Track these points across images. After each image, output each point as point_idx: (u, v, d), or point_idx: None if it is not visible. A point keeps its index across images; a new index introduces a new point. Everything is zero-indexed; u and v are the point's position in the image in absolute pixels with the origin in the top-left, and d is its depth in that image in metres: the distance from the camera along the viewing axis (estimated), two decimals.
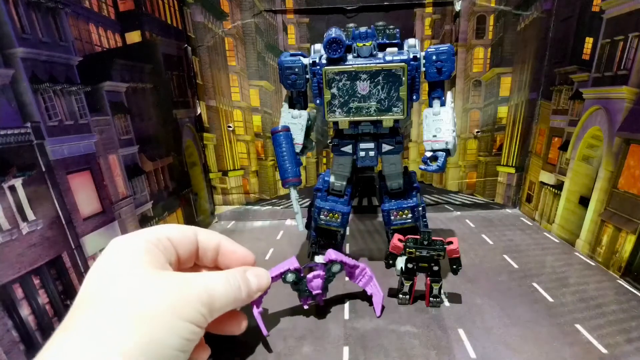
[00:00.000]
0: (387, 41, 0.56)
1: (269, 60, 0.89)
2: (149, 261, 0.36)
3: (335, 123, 0.58)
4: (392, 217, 0.62)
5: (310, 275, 0.52)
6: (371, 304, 0.53)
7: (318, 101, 0.56)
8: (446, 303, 0.55)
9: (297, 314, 0.53)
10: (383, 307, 0.52)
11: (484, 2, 0.83)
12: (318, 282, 0.52)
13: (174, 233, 0.42)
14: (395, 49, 0.54)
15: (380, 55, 0.54)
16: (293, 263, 0.51)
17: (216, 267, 0.47)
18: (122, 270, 0.35)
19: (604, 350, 0.44)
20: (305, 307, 0.53)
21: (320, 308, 0.54)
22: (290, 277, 0.51)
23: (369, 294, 0.54)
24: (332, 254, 0.53)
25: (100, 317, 0.31)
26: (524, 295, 0.56)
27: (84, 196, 0.53)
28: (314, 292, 0.52)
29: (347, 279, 0.55)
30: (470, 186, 0.98)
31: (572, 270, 0.64)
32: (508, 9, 0.82)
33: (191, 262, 0.45)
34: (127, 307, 0.32)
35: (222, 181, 0.97)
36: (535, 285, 0.59)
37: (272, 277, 0.50)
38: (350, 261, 0.53)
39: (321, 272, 0.52)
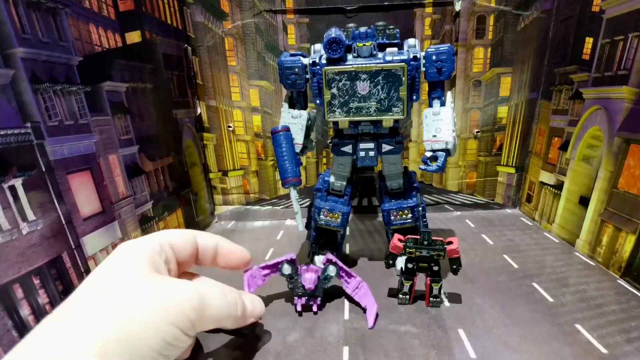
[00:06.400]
0: (387, 41, 0.56)
1: (269, 60, 0.89)
2: (147, 265, 0.37)
3: (335, 123, 0.58)
4: (392, 217, 0.62)
5: (304, 267, 0.53)
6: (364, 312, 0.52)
7: (318, 101, 0.56)
8: (446, 303, 0.55)
9: (297, 314, 0.53)
10: (376, 318, 0.50)
11: (484, 2, 0.83)
12: (312, 276, 0.52)
13: (175, 240, 0.43)
14: (395, 49, 0.54)
15: (380, 55, 0.54)
16: (290, 256, 0.52)
17: (216, 267, 0.48)
18: (121, 273, 0.35)
19: (604, 350, 0.44)
20: (298, 308, 0.53)
21: (314, 313, 0.53)
22: (287, 269, 0.52)
23: (363, 306, 0.53)
24: (330, 255, 0.53)
25: (84, 310, 0.32)
26: (524, 295, 0.56)
27: (84, 196, 0.53)
28: (307, 286, 0.52)
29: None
30: (470, 186, 0.98)
31: (572, 270, 0.64)
32: (508, 9, 0.82)
33: (190, 265, 0.46)
34: (113, 304, 0.32)
35: (222, 181, 0.97)
36: (535, 285, 0.59)
37: (269, 266, 0.52)
38: (347, 269, 0.53)
39: (315, 268, 0.53)
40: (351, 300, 0.55)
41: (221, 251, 0.47)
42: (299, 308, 0.53)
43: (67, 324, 0.31)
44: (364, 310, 0.52)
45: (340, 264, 0.53)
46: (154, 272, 0.37)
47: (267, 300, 0.56)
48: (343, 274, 0.54)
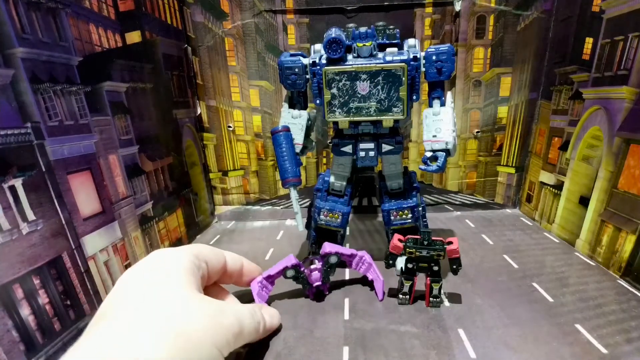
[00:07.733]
0: (387, 41, 0.56)
1: (269, 60, 0.89)
2: (191, 282, 0.38)
3: (335, 123, 0.58)
4: (392, 217, 0.62)
5: (308, 270, 0.54)
6: (372, 288, 0.55)
7: (318, 101, 0.56)
8: (446, 303, 0.55)
9: (297, 313, 0.53)
10: (384, 293, 0.54)
11: (484, 2, 0.83)
12: (317, 275, 0.54)
13: (210, 257, 0.45)
14: (395, 49, 0.54)
15: (380, 55, 0.54)
16: (291, 260, 0.54)
17: (237, 284, 0.52)
18: (166, 286, 0.36)
19: (604, 350, 0.44)
20: (311, 297, 0.55)
21: (324, 296, 0.56)
22: (290, 272, 0.53)
23: (369, 279, 0.56)
24: (327, 246, 0.55)
25: (141, 326, 0.32)
26: (524, 295, 0.56)
27: (84, 196, 0.53)
28: (315, 284, 0.54)
29: (347, 270, 0.56)
30: (470, 186, 0.98)
31: (572, 270, 0.64)
32: (508, 9, 0.82)
33: (212, 281, 0.47)
34: (168, 324, 0.33)
35: (222, 181, 0.97)
36: (535, 285, 0.59)
37: (272, 275, 0.53)
38: (346, 251, 0.55)
39: (319, 266, 0.54)
40: (356, 296, 0.56)
41: (246, 270, 0.51)
42: (311, 297, 0.56)
43: (122, 341, 0.30)
44: (371, 285, 0.55)
45: (339, 250, 0.55)
46: (195, 289, 0.38)
47: (269, 301, 0.56)
48: (344, 259, 0.56)
